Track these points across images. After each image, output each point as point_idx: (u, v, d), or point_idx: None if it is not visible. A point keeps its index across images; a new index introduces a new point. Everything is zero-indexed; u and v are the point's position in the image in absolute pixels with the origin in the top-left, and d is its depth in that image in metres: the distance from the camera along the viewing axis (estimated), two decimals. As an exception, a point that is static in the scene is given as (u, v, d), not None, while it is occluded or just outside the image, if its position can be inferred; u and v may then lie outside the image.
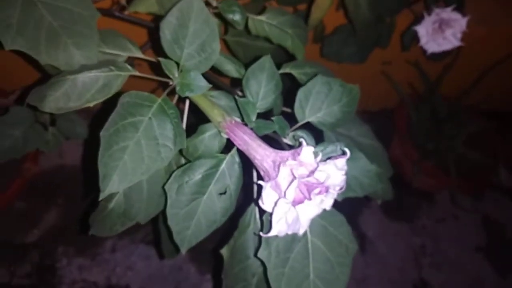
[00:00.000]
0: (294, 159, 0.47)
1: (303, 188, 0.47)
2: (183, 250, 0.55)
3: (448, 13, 0.91)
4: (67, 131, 0.86)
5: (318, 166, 0.45)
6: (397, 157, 1.56)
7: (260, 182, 0.46)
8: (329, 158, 0.47)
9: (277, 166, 0.47)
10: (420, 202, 1.64)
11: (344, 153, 0.47)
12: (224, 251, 0.63)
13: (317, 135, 0.67)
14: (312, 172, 0.45)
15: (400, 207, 1.60)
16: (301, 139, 0.47)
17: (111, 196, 0.59)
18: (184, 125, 0.59)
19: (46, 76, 0.62)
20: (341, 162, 0.46)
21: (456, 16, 0.91)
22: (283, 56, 0.86)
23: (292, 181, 0.44)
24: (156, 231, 0.68)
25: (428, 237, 1.58)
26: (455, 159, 1.43)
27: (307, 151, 0.47)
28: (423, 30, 0.94)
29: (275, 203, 0.45)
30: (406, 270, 1.51)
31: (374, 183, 0.57)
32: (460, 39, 0.94)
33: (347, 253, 0.55)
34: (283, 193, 0.45)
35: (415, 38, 0.99)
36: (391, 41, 1.18)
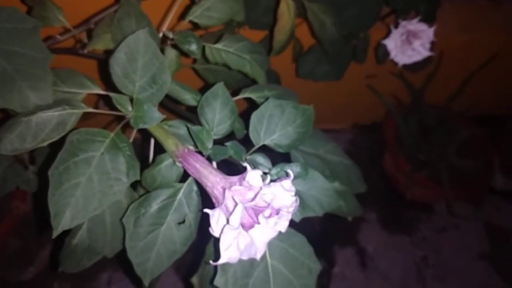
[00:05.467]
0: (240, 184, 0.47)
1: (251, 212, 0.47)
2: (146, 282, 0.55)
3: (414, 25, 0.92)
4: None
5: (261, 189, 0.45)
6: (390, 170, 1.55)
7: (206, 210, 0.46)
8: (274, 180, 0.47)
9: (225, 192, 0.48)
10: (418, 213, 1.61)
11: (287, 174, 0.47)
12: (194, 280, 0.63)
13: (285, 156, 0.68)
14: (255, 196, 0.45)
15: (398, 220, 1.58)
16: (245, 164, 0.48)
17: (74, 232, 0.60)
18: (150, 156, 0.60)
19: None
20: (287, 183, 0.47)
21: (423, 26, 0.91)
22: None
23: (235, 206, 0.44)
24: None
25: (430, 248, 1.55)
26: (448, 168, 1.41)
27: (253, 175, 0.47)
28: (392, 44, 0.94)
29: (221, 230, 0.45)
30: (409, 285, 1.48)
31: (333, 201, 0.57)
32: (429, 49, 0.94)
33: (310, 274, 0.55)
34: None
35: (386, 51, 0.99)
36: (372, 55, 1.18)
